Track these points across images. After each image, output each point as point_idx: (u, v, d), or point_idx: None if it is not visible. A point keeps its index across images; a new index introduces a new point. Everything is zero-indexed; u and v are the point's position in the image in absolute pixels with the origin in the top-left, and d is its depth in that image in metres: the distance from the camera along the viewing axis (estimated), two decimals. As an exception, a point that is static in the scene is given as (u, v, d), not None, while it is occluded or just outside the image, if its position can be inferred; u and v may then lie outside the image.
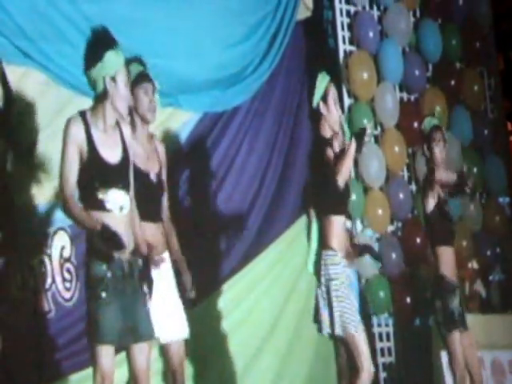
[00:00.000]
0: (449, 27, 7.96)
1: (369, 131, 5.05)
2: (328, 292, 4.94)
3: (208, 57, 6.13)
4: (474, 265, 7.68)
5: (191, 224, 5.97)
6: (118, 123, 4.11)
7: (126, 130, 4.17)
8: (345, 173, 5.00)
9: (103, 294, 3.89)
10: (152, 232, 4.58)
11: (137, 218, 4.21)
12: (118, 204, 3.94)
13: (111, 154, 4.03)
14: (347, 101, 7.09)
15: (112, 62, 3.99)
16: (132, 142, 4.50)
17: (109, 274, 3.93)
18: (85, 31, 5.12)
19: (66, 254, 5.17)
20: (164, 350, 4.69)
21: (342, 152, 5.02)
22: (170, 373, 4.71)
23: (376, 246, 7.00)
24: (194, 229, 5.97)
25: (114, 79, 4.00)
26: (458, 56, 8.00)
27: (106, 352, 3.88)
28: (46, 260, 5.11)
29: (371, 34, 7.29)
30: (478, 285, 7.62)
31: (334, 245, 4.99)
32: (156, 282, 4.47)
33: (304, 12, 7.13)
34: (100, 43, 3.99)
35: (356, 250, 5.22)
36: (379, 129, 7.31)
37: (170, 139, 5.90)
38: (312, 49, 7.18)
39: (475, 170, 7.73)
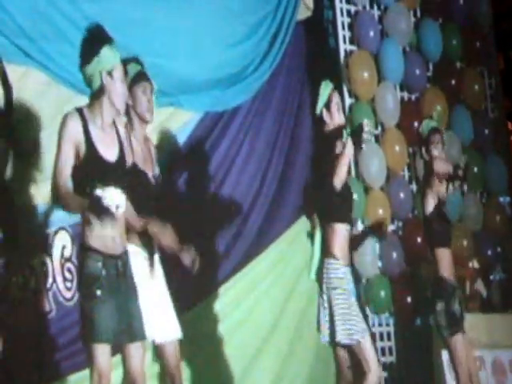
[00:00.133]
0: (449, 27, 7.96)
1: (366, 128, 5.02)
2: (330, 300, 4.94)
3: (208, 56, 6.13)
4: (474, 264, 7.68)
5: (191, 224, 5.97)
6: (114, 121, 4.10)
7: (121, 127, 4.16)
8: (340, 173, 4.96)
9: (98, 293, 3.88)
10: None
11: (134, 214, 4.21)
12: (114, 202, 3.92)
13: (109, 152, 4.02)
14: (348, 100, 7.09)
15: (108, 57, 3.98)
16: (132, 140, 4.51)
17: (104, 272, 3.92)
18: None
19: (67, 253, 5.18)
20: (159, 353, 4.66)
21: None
22: (168, 376, 4.69)
23: (377, 246, 7.01)
24: (194, 229, 5.97)
25: (110, 74, 3.99)
26: (459, 55, 8.00)
27: (102, 351, 3.86)
28: (47, 260, 5.11)
29: (372, 34, 7.29)
30: (478, 284, 7.62)
31: (336, 253, 4.99)
32: (147, 282, 4.49)
33: (304, 12, 7.13)
34: (96, 39, 3.99)
35: (357, 239, 5.21)
36: (380, 128, 7.31)
37: (170, 139, 5.91)
38: (312, 48, 7.19)
39: (476, 169, 7.73)
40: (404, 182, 7.34)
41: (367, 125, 5.11)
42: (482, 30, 8.28)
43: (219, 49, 6.24)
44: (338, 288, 4.96)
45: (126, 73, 4.11)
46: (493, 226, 7.87)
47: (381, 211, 7.03)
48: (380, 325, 7.01)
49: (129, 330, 3.94)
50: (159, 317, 4.56)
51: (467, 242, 7.53)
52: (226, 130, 6.33)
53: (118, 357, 4.09)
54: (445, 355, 6.21)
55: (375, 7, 7.52)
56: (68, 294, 5.16)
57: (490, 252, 7.79)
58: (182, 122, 5.99)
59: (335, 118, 5.16)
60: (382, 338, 6.96)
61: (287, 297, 6.50)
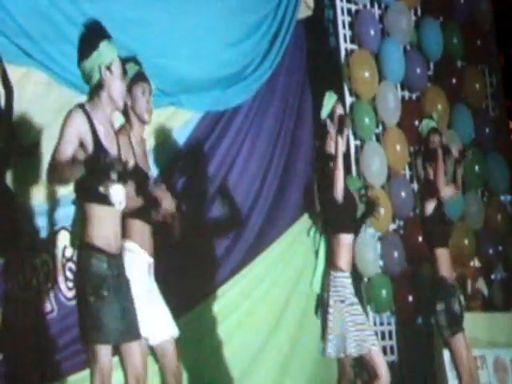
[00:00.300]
0: (450, 25, 7.95)
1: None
2: (339, 314, 4.94)
3: (209, 56, 6.13)
4: (475, 263, 7.68)
5: (192, 224, 5.97)
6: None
7: (117, 123, 4.16)
8: (338, 187, 4.95)
9: (105, 293, 3.87)
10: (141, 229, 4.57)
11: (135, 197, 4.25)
12: (118, 198, 3.91)
13: (111, 147, 4.02)
14: (349, 99, 7.09)
15: (107, 52, 3.98)
16: (132, 140, 4.51)
17: (109, 273, 3.90)
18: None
19: (69, 253, 5.18)
20: (159, 353, 4.66)
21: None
22: (169, 375, 4.69)
23: (378, 245, 7.01)
24: (195, 228, 5.97)
25: (109, 69, 3.99)
26: (460, 54, 8.00)
27: (105, 351, 3.85)
28: (49, 259, 5.12)
29: (372, 33, 7.28)
30: (480, 283, 7.62)
31: (342, 265, 5.00)
32: (145, 281, 4.49)
33: (305, 11, 7.13)
34: (94, 34, 3.98)
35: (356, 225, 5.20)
36: (381, 127, 7.31)
37: (171, 139, 5.92)
38: (313, 48, 7.19)
39: (477, 168, 7.73)
40: (405, 181, 7.34)
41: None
42: (483, 29, 8.28)
43: (220, 48, 6.24)
44: (346, 300, 4.97)
45: (125, 72, 4.10)
46: (494, 224, 7.86)
47: (382, 210, 7.03)
48: (381, 324, 7.01)
49: (127, 329, 3.93)
50: (157, 316, 4.57)
51: (468, 240, 7.52)
52: (226, 130, 6.33)
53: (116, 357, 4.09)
54: (446, 354, 6.21)
55: (376, 6, 7.52)
56: (69, 294, 5.17)
57: (491, 251, 7.78)
58: (182, 122, 6.00)
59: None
60: (383, 337, 6.96)
61: (288, 297, 6.50)
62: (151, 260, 4.60)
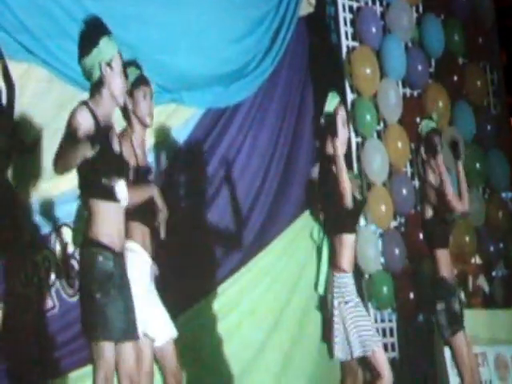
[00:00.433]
0: (451, 22, 7.94)
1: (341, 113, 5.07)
2: (342, 315, 4.95)
3: (211, 53, 6.13)
4: (476, 260, 7.67)
5: (194, 220, 5.98)
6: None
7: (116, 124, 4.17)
8: (346, 195, 4.96)
9: (112, 291, 3.85)
10: (142, 230, 4.57)
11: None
12: (123, 195, 3.91)
13: (116, 145, 4.03)
14: (350, 96, 7.08)
15: (108, 48, 3.97)
16: (134, 142, 4.52)
17: (115, 270, 3.90)
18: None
19: (70, 249, 5.18)
20: (159, 355, 4.66)
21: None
22: (169, 377, 4.69)
23: (379, 242, 7.01)
24: (198, 225, 5.98)
25: (110, 65, 3.98)
26: (461, 51, 7.99)
27: (109, 348, 3.84)
28: (50, 256, 5.12)
29: (374, 30, 7.28)
30: (481, 280, 7.61)
31: (345, 266, 5.00)
32: (145, 281, 4.49)
33: (307, 7, 7.13)
34: (95, 30, 3.98)
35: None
36: (382, 124, 7.31)
37: (172, 136, 5.92)
38: (315, 44, 7.18)
39: (478, 165, 7.72)
40: (406, 178, 7.33)
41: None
42: (485, 26, 8.27)
43: (221, 45, 6.24)
44: (350, 302, 4.98)
45: (126, 76, 4.09)
46: (495, 221, 7.86)
47: (383, 207, 7.03)
48: (382, 321, 7.00)
49: (128, 329, 3.93)
50: (157, 317, 4.58)
51: (469, 237, 7.52)
52: (228, 127, 6.33)
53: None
54: (447, 351, 6.21)
55: (377, 3, 7.51)
56: (71, 290, 5.17)
57: (492, 248, 7.78)
58: (184, 119, 5.99)
59: (339, 131, 5.15)
60: (384, 334, 6.96)
61: (289, 294, 6.50)
62: (151, 261, 4.61)
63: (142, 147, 4.69)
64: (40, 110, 5.12)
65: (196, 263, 5.88)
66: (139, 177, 4.45)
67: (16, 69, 5.01)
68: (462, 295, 7.04)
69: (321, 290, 5.14)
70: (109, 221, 3.90)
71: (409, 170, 7.44)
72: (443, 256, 5.61)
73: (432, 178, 5.70)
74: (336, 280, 5.00)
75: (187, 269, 5.76)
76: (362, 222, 6.91)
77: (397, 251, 7.01)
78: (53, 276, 5.12)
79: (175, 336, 4.67)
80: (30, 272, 5.03)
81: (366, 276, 6.86)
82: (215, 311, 5.94)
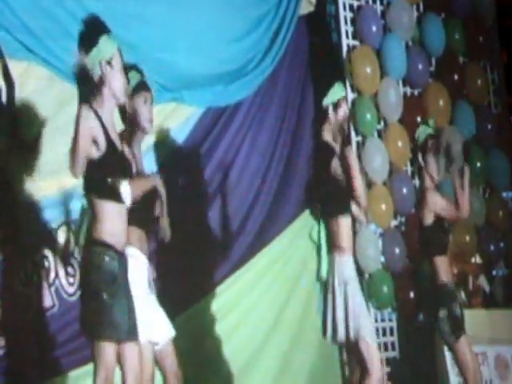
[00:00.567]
0: (452, 21, 7.94)
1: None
2: (344, 297, 4.95)
3: (211, 52, 6.13)
4: (477, 259, 7.66)
5: (193, 219, 5.97)
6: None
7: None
8: (362, 194, 5.04)
9: (117, 291, 3.85)
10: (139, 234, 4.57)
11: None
12: (127, 195, 3.91)
13: (119, 144, 4.03)
14: (350, 95, 7.08)
15: (107, 46, 3.98)
16: (134, 147, 4.52)
17: (119, 271, 3.90)
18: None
19: (70, 248, 5.17)
20: (159, 356, 4.65)
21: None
22: (168, 377, 4.68)
23: (379, 242, 7.01)
24: (197, 224, 5.97)
25: (110, 63, 3.98)
26: (462, 50, 7.98)
27: (112, 348, 3.84)
28: (50, 255, 5.11)
29: (374, 29, 7.27)
30: (481, 280, 7.60)
31: (344, 246, 5.01)
32: (144, 284, 4.49)
33: (307, 6, 7.12)
34: (93, 30, 3.99)
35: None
36: (382, 123, 7.30)
37: (171, 135, 5.91)
38: (315, 43, 7.17)
39: (478, 164, 7.72)
40: (407, 177, 7.33)
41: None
42: (485, 25, 8.26)
43: (221, 44, 6.24)
44: (350, 283, 4.98)
45: (126, 74, 4.09)
46: (495, 221, 7.85)
47: (383, 206, 7.03)
48: (383, 320, 7.00)
49: (130, 329, 3.93)
50: (157, 319, 4.58)
51: (470, 237, 7.51)
52: (228, 126, 6.32)
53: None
54: (447, 350, 6.20)
55: (378, 2, 7.50)
56: (70, 289, 5.17)
57: (492, 247, 7.77)
58: (184, 118, 5.99)
59: (339, 121, 5.17)
60: (384, 334, 6.96)
61: (288, 294, 6.49)
62: (148, 264, 4.61)
63: (139, 151, 4.69)
64: (40, 107, 5.12)
65: (195, 263, 5.87)
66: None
67: (16, 67, 5.00)
68: (463, 295, 7.05)
69: (324, 272, 5.13)
70: (114, 221, 3.91)
71: (409, 169, 7.43)
72: (442, 263, 5.61)
73: (429, 183, 5.71)
74: (336, 261, 5.01)
75: (186, 269, 5.75)
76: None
77: (397, 250, 7.01)
78: (52, 275, 5.11)
79: (173, 335, 4.67)
80: (29, 271, 5.03)
81: (366, 275, 6.85)
82: (215, 311, 5.93)
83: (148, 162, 5.14)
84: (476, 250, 7.62)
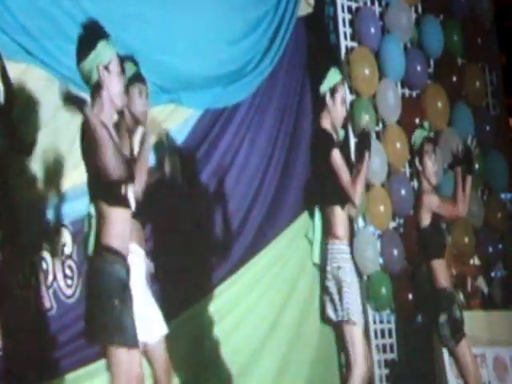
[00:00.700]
0: (450, 23, 7.94)
1: (368, 128, 5.12)
2: (338, 281, 4.97)
3: (209, 53, 6.12)
4: (475, 261, 7.67)
5: (192, 220, 5.97)
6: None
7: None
8: (360, 192, 5.09)
9: (128, 297, 3.86)
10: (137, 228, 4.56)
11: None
12: (133, 200, 3.92)
13: (124, 149, 4.04)
14: (349, 97, 7.07)
15: (105, 51, 3.97)
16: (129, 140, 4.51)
17: (127, 278, 3.90)
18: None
19: (68, 251, 5.17)
20: (150, 352, 4.64)
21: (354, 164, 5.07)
22: (159, 376, 4.68)
23: (378, 243, 7.01)
24: (196, 225, 5.97)
25: (107, 68, 3.98)
26: (460, 52, 7.98)
27: (127, 354, 3.83)
28: (48, 257, 5.11)
29: (373, 30, 7.27)
30: (479, 281, 7.61)
31: (339, 233, 5.02)
32: (140, 283, 4.48)
33: (305, 8, 7.12)
34: (92, 34, 3.98)
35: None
36: (381, 125, 7.30)
37: (170, 136, 5.90)
38: (313, 45, 7.17)
39: (477, 166, 7.72)
40: (405, 179, 7.33)
41: (367, 123, 5.19)
42: (484, 27, 8.27)
43: (220, 45, 6.24)
44: (343, 268, 4.99)
45: (123, 71, 4.08)
46: (494, 222, 7.86)
47: (382, 208, 7.03)
48: (381, 322, 7.00)
49: (135, 334, 3.93)
50: (153, 316, 4.57)
51: (468, 238, 7.52)
52: (226, 127, 6.32)
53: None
54: (446, 352, 6.20)
55: (376, 3, 7.50)
56: (68, 292, 5.16)
57: (491, 249, 7.78)
58: (182, 119, 5.98)
59: (337, 107, 5.17)
60: (383, 335, 6.95)
61: (287, 295, 6.49)
62: (146, 258, 4.61)
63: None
64: (39, 109, 5.11)
65: (194, 264, 5.87)
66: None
67: (15, 68, 5.00)
68: (461, 296, 7.05)
69: (316, 258, 5.15)
70: (121, 226, 3.91)
71: (407, 170, 7.43)
72: (440, 266, 5.61)
73: (426, 186, 5.72)
74: (330, 247, 5.03)
75: (186, 270, 5.75)
76: (360, 222, 6.92)
77: (395, 252, 7.01)
78: (50, 277, 5.10)
79: (165, 333, 4.68)
80: (27, 273, 5.02)
81: (365, 277, 6.85)
82: (214, 312, 5.93)
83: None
84: (474, 252, 7.63)
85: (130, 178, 3.93)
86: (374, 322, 6.90)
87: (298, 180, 6.74)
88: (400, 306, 7.00)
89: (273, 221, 6.54)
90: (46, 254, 5.10)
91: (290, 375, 6.38)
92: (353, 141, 7.04)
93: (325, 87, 5.19)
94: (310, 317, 6.17)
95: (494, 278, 7.78)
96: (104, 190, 3.90)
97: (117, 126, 4.42)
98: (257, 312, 6.26)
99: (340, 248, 5.04)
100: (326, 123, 5.20)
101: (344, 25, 7.22)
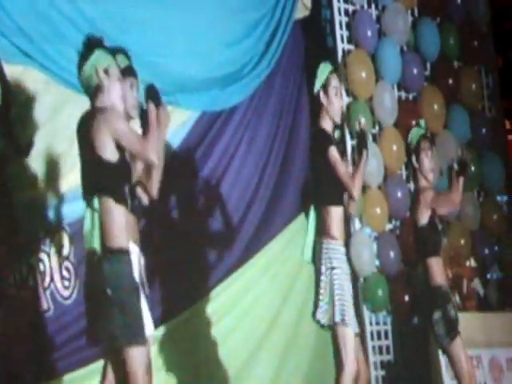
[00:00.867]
0: (447, 26, 7.96)
1: (365, 128, 5.12)
2: (330, 281, 4.97)
3: (206, 55, 6.14)
4: (471, 263, 7.69)
5: (190, 222, 5.98)
6: None
7: None
8: (358, 187, 5.09)
9: (138, 296, 3.88)
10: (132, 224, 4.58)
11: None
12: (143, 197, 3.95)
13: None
14: (346, 99, 7.09)
15: (103, 56, 4.01)
16: None
17: (134, 275, 3.93)
18: (84, 31, 5.14)
19: (65, 252, 5.18)
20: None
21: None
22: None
23: (374, 245, 7.02)
24: (193, 227, 5.98)
25: (107, 72, 4.00)
26: (456, 55, 8.01)
27: (145, 352, 3.87)
28: (45, 258, 5.12)
29: (369, 33, 7.29)
30: (475, 283, 7.63)
31: (335, 234, 5.02)
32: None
33: (302, 11, 7.13)
34: (90, 44, 4.03)
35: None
36: (377, 127, 7.32)
37: (167, 139, 5.91)
38: (310, 47, 7.19)
39: (473, 168, 7.74)
40: (401, 181, 7.35)
41: (365, 125, 5.20)
42: (480, 29, 8.29)
43: (217, 48, 6.25)
44: (337, 268, 5.00)
45: (123, 74, 4.11)
46: (490, 224, 7.88)
47: (378, 210, 7.05)
48: (377, 323, 7.01)
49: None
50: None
51: (464, 240, 7.54)
52: (223, 129, 6.33)
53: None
54: (442, 353, 6.22)
55: (373, 6, 7.52)
56: (66, 293, 5.17)
57: (487, 251, 7.79)
58: (180, 121, 5.99)
59: (333, 102, 5.17)
60: (379, 337, 6.97)
61: (284, 296, 6.50)
62: (139, 252, 4.62)
63: None
64: (36, 111, 5.13)
65: (191, 265, 5.88)
66: None
67: (12, 70, 5.01)
68: (457, 298, 7.06)
69: (307, 256, 5.15)
70: (125, 224, 3.93)
71: (404, 172, 7.45)
72: (437, 264, 5.62)
73: (424, 183, 5.73)
74: (325, 246, 5.03)
75: (182, 271, 5.76)
76: (357, 224, 6.94)
77: (392, 254, 7.02)
78: (48, 278, 5.11)
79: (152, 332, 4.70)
80: (24, 274, 5.02)
81: (361, 279, 6.87)
82: (211, 313, 5.94)
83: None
84: (470, 254, 7.64)
85: (130, 176, 3.94)
86: (371, 324, 6.91)
87: (295, 182, 6.76)
88: (396, 308, 7.01)
89: (270, 222, 6.55)
90: (44, 256, 5.11)
91: (287, 376, 6.39)
92: (349, 144, 7.06)
93: (317, 85, 5.20)
94: (307, 318, 6.15)
95: (489, 280, 7.80)
96: (112, 188, 3.92)
97: None
98: (254, 313, 6.27)
99: (335, 248, 5.04)
100: (324, 123, 5.21)
101: (341, 28, 7.24)
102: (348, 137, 7.03)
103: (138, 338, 3.85)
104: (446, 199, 5.68)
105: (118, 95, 4.02)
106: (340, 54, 7.17)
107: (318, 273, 5.06)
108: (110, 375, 4.17)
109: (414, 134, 5.87)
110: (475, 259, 7.71)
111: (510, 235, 7.98)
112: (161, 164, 4.18)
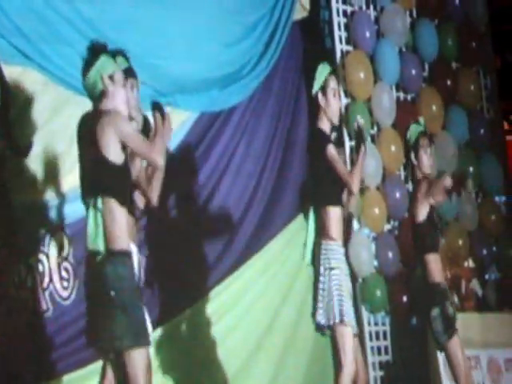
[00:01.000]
0: (445, 27, 7.97)
1: (363, 126, 5.12)
2: (329, 281, 4.98)
3: (205, 56, 6.15)
4: (469, 263, 7.69)
5: (189, 222, 5.99)
6: None
7: None
8: (357, 183, 5.09)
9: (140, 298, 3.90)
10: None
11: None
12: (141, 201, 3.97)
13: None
14: (344, 100, 7.10)
15: (108, 62, 4.03)
16: None
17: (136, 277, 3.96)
18: (82, 32, 5.16)
19: (64, 253, 5.19)
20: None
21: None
22: None
23: (372, 246, 7.03)
24: (192, 227, 5.99)
25: (112, 78, 4.01)
26: (455, 55, 8.02)
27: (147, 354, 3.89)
28: (44, 259, 5.12)
29: (368, 34, 7.29)
30: (473, 284, 7.63)
31: (333, 234, 5.03)
32: None
33: (301, 12, 7.14)
34: (95, 50, 4.04)
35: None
36: (376, 128, 7.33)
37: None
38: (309, 49, 7.19)
39: (471, 169, 7.75)
40: (400, 182, 7.35)
41: (362, 122, 5.20)
42: (478, 30, 8.30)
43: (216, 49, 6.26)
44: (336, 269, 5.00)
45: (125, 78, 4.12)
46: (488, 225, 7.89)
47: (377, 210, 7.06)
48: (376, 324, 7.02)
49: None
50: None
51: (463, 241, 7.54)
52: (222, 130, 6.34)
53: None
54: (440, 354, 6.22)
55: (371, 7, 7.52)
56: (64, 293, 5.18)
57: (485, 251, 7.80)
58: (179, 122, 6.00)
59: (331, 103, 5.18)
60: (377, 337, 6.97)
61: (283, 296, 6.51)
62: (138, 253, 4.63)
63: None
64: (35, 112, 5.13)
65: (190, 265, 5.89)
66: None
67: (11, 71, 5.02)
68: (456, 299, 7.07)
69: (308, 258, 5.15)
70: (127, 225, 3.95)
71: (402, 173, 7.46)
72: (435, 261, 5.63)
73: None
74: (323, 247, 5.04)
75: (182, 272, 5.77)
76: (355, 225, 6.95)
77: (390, 254, 7.03)
78: (47, 279, 5.12)
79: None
80: (23, 275, 5.03)
81: (360, 279, 6.88)
82: (210, 314, 5.95)
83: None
84: (469, 254, 7.65)
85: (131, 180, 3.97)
86: (369, 324, 6.92)
87: (293, 182, 6.76)
88: (395, 308, 7.02)
89: (269, 223, 6.56)
90: (43, 256, 5.11)
91: (285, 377, 6.40)
92: (348, 145, 7.07)
93: (316, 87, 5.21)
94: (306, 319, 6.16)
95: (488, 281, 7.81)
96: (119, 190, 3.93)
97: None
98: (253, 314, 6.28)
99: (334, 249, 5.04)
100: (322, 124, 5.22)
101: (339, 29, 7.25)
102: (346, 138, 7.03)
103: (141, 339, 3.86)
104: (439, 185, 5.67)
105: (122, 100, 4.04)
106: (338, 54, 7.18)
107: (316, 273, 5.07)
108: (110, 375, 4.17)
109: (413, 130, 5.88)
110: (473, 260, 7.72)
111: (508, 236, 7.99)
112: (162, 172, 4.21)
